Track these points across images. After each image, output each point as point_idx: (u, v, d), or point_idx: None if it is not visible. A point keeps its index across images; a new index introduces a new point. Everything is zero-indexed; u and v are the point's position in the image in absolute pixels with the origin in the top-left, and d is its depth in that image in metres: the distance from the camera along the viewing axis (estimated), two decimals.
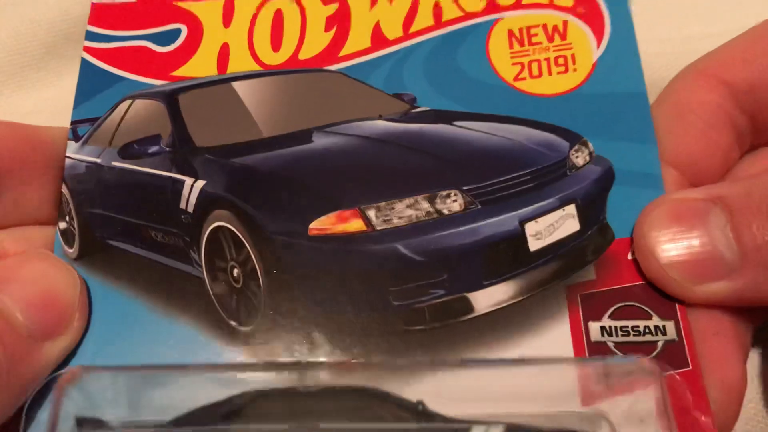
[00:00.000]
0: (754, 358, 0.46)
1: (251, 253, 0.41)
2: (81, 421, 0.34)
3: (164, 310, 0.41)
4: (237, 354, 0.39)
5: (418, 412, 0.35)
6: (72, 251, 0.44)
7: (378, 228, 0.41)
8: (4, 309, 0.36)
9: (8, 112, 0.57)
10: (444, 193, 0.42)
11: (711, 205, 0.40)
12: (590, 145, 0.45)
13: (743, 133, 0.46)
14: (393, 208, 0.41)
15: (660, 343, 0.39)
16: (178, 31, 0.48)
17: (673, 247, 0.40)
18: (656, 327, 0.40)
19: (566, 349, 0.39)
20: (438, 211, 0.42)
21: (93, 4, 0.49)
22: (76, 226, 0.45)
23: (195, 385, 0.36)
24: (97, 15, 0.49)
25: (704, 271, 0.40)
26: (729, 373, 0.40)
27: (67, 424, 0.34)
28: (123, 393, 0.36)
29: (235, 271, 0.42)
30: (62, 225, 0.44)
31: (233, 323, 0.41)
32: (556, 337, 0.40)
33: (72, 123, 0.46)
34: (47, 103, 0.57)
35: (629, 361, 0.37)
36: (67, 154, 0.45)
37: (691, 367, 0.39)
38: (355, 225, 0.41)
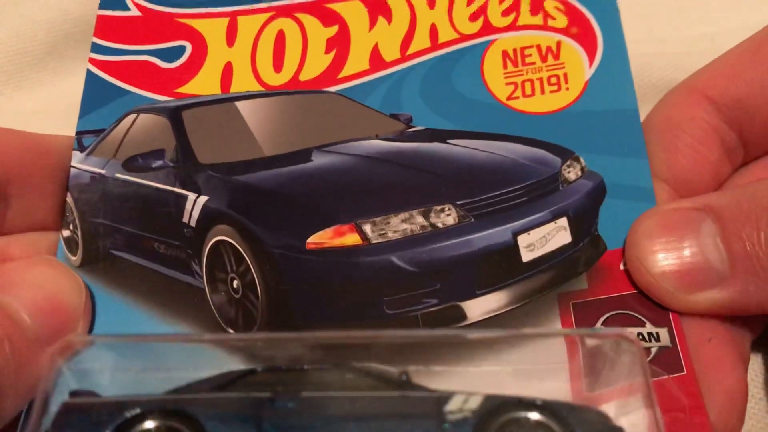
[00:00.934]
0: (756, 357, 0.47)
1: (251, 266, 0.42)
2: (75, 394, 0.35)
3: (164, 318, 0.42)
4: (234, 361, 0.40)
5: (402, 383, 0.36)
6: (75, 259, 0.45)
7: (373, 241, 0.42)
8: (12, 311, 0.37)
9: (9, 112, 0.58)
10: (438, 207, 0.43)
11: (702, 215, 0.41)
12: (582, 160, 0.46)
13: (733, 148, 0.47)
14: (388, 223, 0.42)
15: (654, 350, 0.40)
16: (182, 48, 0.50)
17: (664, 257, 0.41)
18: (650, 334, 0.40)
19: (560, 355, 0.40)
20: (432, 225, 0.43)
21: (99, 15, 0.51)
22: (79, 234, 0.46)
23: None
24: (103, 27, 0.50)
25: (695, 281, 0.40)
26: (728, 379, 0.40)
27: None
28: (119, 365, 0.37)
29: (235, 283, 0.43)
30: (66, 233, 0.45)
31: (231, 332, 0.42)
32: (549, 344, 0.40)
33: (77, 133, 0.47)
34: (47, 103, 0.58)
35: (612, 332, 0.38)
36: (72, 164, 0.46)
37: (686, 372, 0.39)
38: (351, 239, 0.42)
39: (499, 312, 0.42)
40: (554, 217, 0.44)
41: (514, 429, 0.34)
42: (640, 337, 0.40)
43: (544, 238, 0.44)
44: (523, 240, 0.43)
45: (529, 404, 0.34)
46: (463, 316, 0.42)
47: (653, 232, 0.42)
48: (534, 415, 0.34)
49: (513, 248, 0.43)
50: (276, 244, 0.42)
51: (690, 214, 0.42)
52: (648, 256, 0.41)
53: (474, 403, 0.34)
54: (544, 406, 0.34)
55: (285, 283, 0.42)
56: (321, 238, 0.42)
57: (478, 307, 0.42)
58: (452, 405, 0.34)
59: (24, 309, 0.37)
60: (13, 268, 0.40)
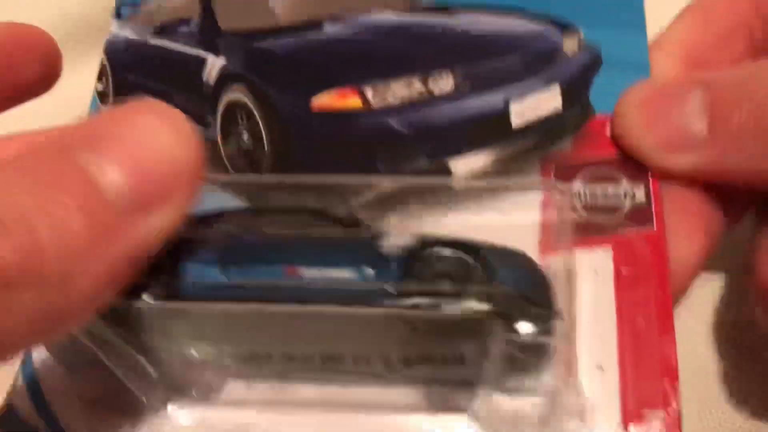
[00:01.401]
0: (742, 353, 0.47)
1: (260, 123, 0.46)
2: None
3: None
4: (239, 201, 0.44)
5: (348, 219, 0.39)
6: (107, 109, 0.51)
7: (374, 105, 0.45)
8: (92, 174, 0.28)
9: (10, 111, 0.54)
10: (436, 74, 0.45)
11: (693, 86, 0.42)
12: (581, 33, 0.47)
13: (760, 48, 0.47)
14: (388, 88, 0.45)
15: (628, 204, 0.42)
16: None
17: (648, 118, 0.42)
18: (626, 192, 0.42)
19: (536, 209, 0.42)
20: (429, 91, 0.45)
21: None
22: (111, 88, 0.51)
23: None
24: None
25: (674, 142, 0.42)
26: (684, 247, 0.41)
27: None
28: None
29: (245, 136, 0.47)
30: (99, 87, 0.51)
31: None
32: (527, 199, 0.43)
33: (117, 4, 0.53)
34: (47, 103, 0.53)
35: None
36: (110, 31, 0.52)
37: (655, 229, 0.41)
38: (353, 102, 0.45)
39: (484, 170, 0.44)
40: (547, 85, 0.46)
41: (433, 262, 0.37)
42: (615, 194, 0.42)
43: (536, 105, 0.46)
44: (515, 106, 0.45)
45: (453, 242, 0.37)
46: (449, 173, 0.44)
47: (642, 96, 0.43)
48: (453, 252, 0.37)
49: (504, 113, 0.45)
50: (283, 104, 0.46)
51: (682, 85, 0.43)
52: (632, 116, 0.42)
53: (403, 239, 0.38)
54: (467, 245, 0.37)
55: (290, 139, 0.46)
56: (325, 100, 0.45)
57: (463, 165, 0.44)
58: (385, 240, 0.38)
59: (114, 171, 0.28)
60: (112, 115, 0.31)
